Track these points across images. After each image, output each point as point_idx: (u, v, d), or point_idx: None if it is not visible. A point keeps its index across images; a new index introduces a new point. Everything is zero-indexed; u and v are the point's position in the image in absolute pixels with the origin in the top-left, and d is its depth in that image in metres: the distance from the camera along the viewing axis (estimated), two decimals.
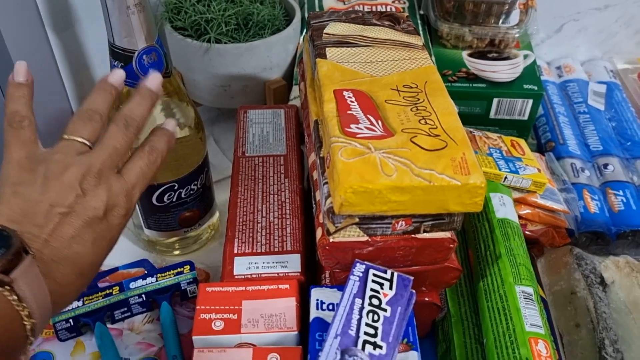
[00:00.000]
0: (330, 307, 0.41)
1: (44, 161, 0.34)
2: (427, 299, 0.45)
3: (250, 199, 0.51)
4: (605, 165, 0.67)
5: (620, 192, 0.64)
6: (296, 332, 0.41)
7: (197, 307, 0.42)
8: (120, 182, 0.35)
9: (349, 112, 0.41)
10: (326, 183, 0.40)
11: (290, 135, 0.58)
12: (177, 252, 0.61)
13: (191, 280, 0.49)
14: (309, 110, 0.49)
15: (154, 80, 0.39)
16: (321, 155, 0.42)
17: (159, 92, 0.39)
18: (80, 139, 0.35)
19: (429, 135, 0.40)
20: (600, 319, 0.52)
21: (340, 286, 0.42)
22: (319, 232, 0.42)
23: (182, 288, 0.49)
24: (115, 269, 0.52)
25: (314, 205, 0.45)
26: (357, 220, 0.39)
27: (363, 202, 0.36)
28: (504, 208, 0.52)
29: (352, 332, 0.36)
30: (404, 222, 0.39)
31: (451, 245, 0.41)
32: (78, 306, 0.45)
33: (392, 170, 0.37)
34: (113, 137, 0.36)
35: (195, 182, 0.57)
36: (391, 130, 0.40)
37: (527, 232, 0.57)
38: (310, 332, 0.40)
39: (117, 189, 0.35)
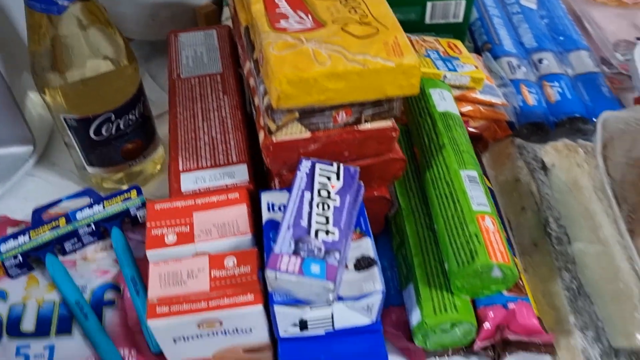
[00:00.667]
0: (281, 208, 0.42)
1: None
2: (376, 193, 0.46)
3: (190, 119, 0.50)
4: (540, 60, 0.69)
5: (556, 84, 0.66)
6: (250, 236, 0.41)
7: (148, 224, 0.41)
8: None
9: (277, 10, 0.40)
10: (262, 83, 0.39)
11: (225, 54, 0.56)
12: (124, 188, 0.60)
13: (140, 205, 0.48)
14: (239, 21, 0.48)
15: None
16: (254, 58, 0.41)
17: None
18: None
19: (360, 23, 0.39)
20: (544, 200, 0.54)
21: (289, 188, 0.42)
22: (261, 135, 0.41)
23: (132, 214, 0.48)
24: (59, 200, 0.50)
25: (253, 112, 0.44)
26: (297, 115, 0.38)
27: (299, 92, 0.36)
28: (444, 102, 0.52)
29: (304, 223, 0.36)
30: (344, 113, 0.39)
31: (393, 134, 0.41)
32: (25, 241, 0.44)
33: (325, 58, 0.36)
34: None
35: (133, 112, 0.55)
36: (321, 22, 0.39)
37: (470, 129, 0.58)
38: (264, 234, 0.40)
39: None
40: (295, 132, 0.40)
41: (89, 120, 0.53)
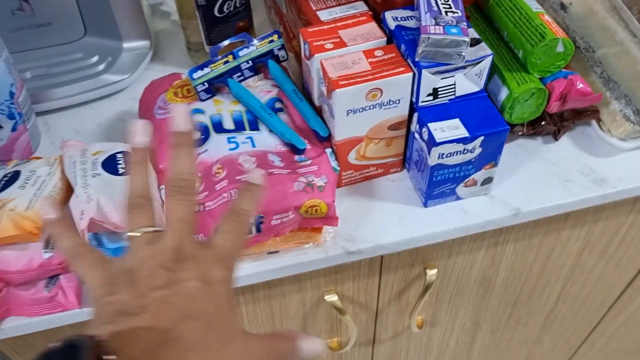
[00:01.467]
0: (403, 18, 0.57)
1: (121, 270, 0.33)
2: None
3: None
4: None
5: None
6: (385, 38, 0.56)
7: (308, 40, 0.55)
8: (206, 250, 0.35)
9: None
10: None
11: None
12: None
13: (280, 47, 0.62)
14: None
15: (180, 117, 0.37)
16: None
17: (190, 129, 0.37)
18: (141, 231, 0.35)
19: None
20: (569, 27, 0.71)
21: (410, 6, 0.57)
22: None
23: (275, 53, 0.62)
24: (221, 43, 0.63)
25: None
26: None
27: None
28: None
29: (435, 8, 0.52)
30: None
31: None
32: (204, 74, 0.58)
33: None
34: (173, 210, 0.35)
35: None
36: None
37: None
38: (395, 34, 0.55)
39: (205, 257, 0.34)
40: None
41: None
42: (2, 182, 0.53)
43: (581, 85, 0.60)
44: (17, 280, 0.50)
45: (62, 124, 0.70)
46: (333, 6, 0.60)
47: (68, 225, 0.38)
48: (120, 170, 0.52)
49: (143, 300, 0.31)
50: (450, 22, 0.51)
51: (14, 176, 0.53)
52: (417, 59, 0.52)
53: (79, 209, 0.49)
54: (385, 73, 0.52)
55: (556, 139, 0.65)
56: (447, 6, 0.52)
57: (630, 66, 0.65)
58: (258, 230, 0.52)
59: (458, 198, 0.60)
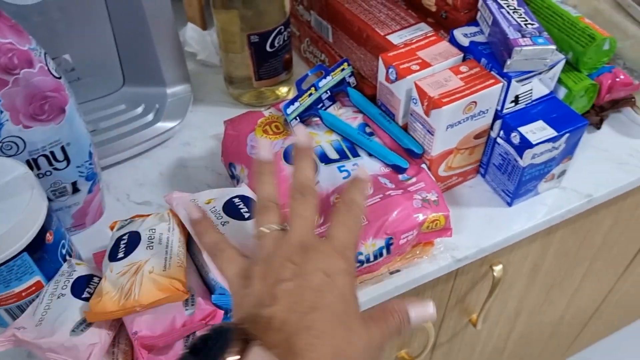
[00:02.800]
0: (473, 34, 0.60)
1: (254, 264, 0.38)
2: None
3: (358, 8, 0.66)
4: None
5: None
6: (461, 55, 0.59)
7: (389, 64, 0.58)
8: (326, 244, 0.38)
9: None
10: None
11: None
12: (285, 89, 0.75)
13: (350, 74, 0.63)
14: None
15: (302, 135, 0.43)
16: None
17: (311, 145, 0.43)
18: (270, 227, 0.39)
19: None
20: None
21: (472, 22, 0.61)
22: None
23: (347, 80, 0.63)
24: (306, 75, 0.63)
25: None
26: None
27: None
28: None
29: (514, 22, 0.56)
30: None
31: None
32: (296, 108, 0.58)
33: None
34: (297, 210, 0.39)
35: (288, 25, 0.70)
36: None
37: None
38: (472, 51, 0.59)
39: (326, 250, 0.37)
40: None
41: (268, 33, 0.68)
42: (123, 246, 0.50)
43: (622, 77, 0.67)
44: (160, 344, 0.48)
45: (122, 178, 0.67)
46: (398, 30, 0.63)
47: (209, 224, 0.43)
48: (246, 215, 0.51)
49: (274, 292, 0.34)
50: (533, 33, 0.55)
51: (134, 238, 0.51)
52: (505, 70, 0.56)
53: None
54: (479, 86, 0.56)
55: (598, 128, 0.72)
56: (524, 19, 0.57)
57: None
58: (388, 252, 0.53)
59: (537, 193, 0.65)
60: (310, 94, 0.60)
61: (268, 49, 0.69)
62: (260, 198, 0.41)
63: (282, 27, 0.68)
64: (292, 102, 0.58)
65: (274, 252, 0.37)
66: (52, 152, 0.52)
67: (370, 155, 0.58)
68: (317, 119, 0.60)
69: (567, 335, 1.24)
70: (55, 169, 0.53)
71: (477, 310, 0.83)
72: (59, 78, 0.51)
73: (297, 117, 0.59)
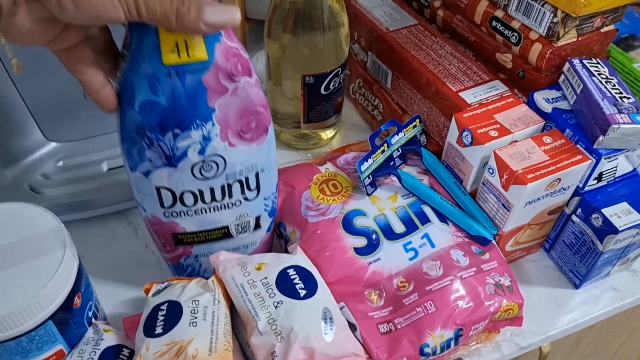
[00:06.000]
0: (552, 100, 0.55)
1: None
2: None
3: (426, 57, 0.61)
4: None
5: None
6: (543, 123, 0.54)
7: (470, 127, 0.52)
8: None
9: None
10: (543, 6, 0.53)
11: (406, 8, 0.68)
12: (331, 133, 0.69)
13: (421, 132, 0.58)
14: None
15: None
16: None
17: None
18: None
19: None
20: None
21: (553, 85, 0.56)
22: (536, 47, 0.54)
23: (418, 138, 0.58)
24: (379, 130, 0.57)
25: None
26: (577, 22, 0.52)
27: (595, 1, 0.50)
28: None
29: (609, 94, 0.51)
30: (599, 19, 0.54)
31: (614, 34, 0.57)
32: (369, 165, 0.52)
33: None
34: None
35: (345, 67, 0.64)
36: None
37: None
38: (555, 120, 0.54)
39: None
40: (570, 37, 0.53)
41: (325, 75, 0.62)
42: (161, 318, 0.44)
43: None
44: None
45: None
46: (471, 86, 0.57)
47: None
48: (302, 293, 0.45)
49: None
50: (630, 109, 0.50)
51: (175, 310, 0.44)
52: (596, 147, 0.51)
53: (267, 350, 0.42)
54: (565, 162, 0.50)
55: None
56: (618, 91, 0.51)
57: None
58: (456, 343, 0.47)
59: (607, 276, 0.59)
60: (383, 151, 0.54)
61: (322, 91, 0.63)
62: None
63: (340, 69, 0.63)
64: (365, 158, 0.52)
65: None
66: (246, 178, 0.45)
67: (442, 221, 0.52)
68: (388, 179, 0.55)
69: None
70: (246, 198, 0.47)
71: None
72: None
73: (370, 176, 0.53)
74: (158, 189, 0.44)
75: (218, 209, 0.46)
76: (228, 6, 0.35)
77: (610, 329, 0.80)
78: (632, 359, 1.04)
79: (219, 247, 0.49)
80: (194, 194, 0.44)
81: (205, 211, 0.46)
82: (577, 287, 0.58)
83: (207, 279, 0.48)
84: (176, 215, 0.46)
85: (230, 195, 0.46)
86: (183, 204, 0.45)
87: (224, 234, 0.48)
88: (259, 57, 0.82)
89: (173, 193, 0.44)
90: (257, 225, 0.50)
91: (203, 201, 0.45)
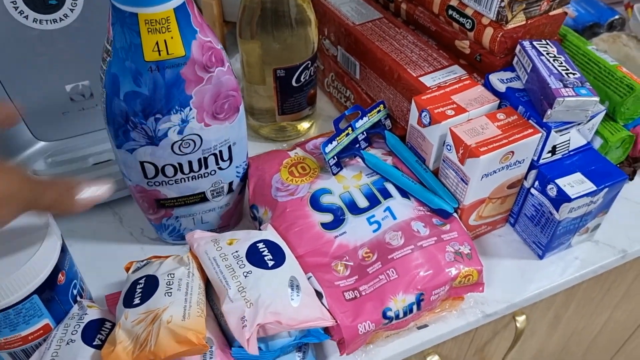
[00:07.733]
0: (506, 80, 0.58)
1: None
2: None
3: (390, 47, 0.64)
4: None
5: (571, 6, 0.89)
6: (498, 102, 0.57)
7: (427, 108, 0.56)
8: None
9: None
10: None
11: (372, 4, 0.72)
12: (307, 124, 0.72)
13: (386, 116, 0.61)
14: None
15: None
16: None
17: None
18: None
19: None
20: None
21: (508, 67, 0.59)
22: (488, 31, 0.58)
23: (382, 122, 0.61)
24: (343, 115, 0.60)
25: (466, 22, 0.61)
26: (524, 5, 0.56)
27: None
28: None
29: (556, 71, 0.54)
30: (546, 2, 0.57)
31: (562, 18, 0.60)
32: (334, 147, 0.56)
33: None
34: None
35: (315, 61, 0.68)
36: None
37: None
38: (509, 98, 0.57)
39: None
40: (518, 20, 0.57)
41: (295, 68, 0.66)
42: (139, 291, 0.47)
43: None
44: None
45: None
46: (431, 71, 0.61)
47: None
48: (270, 263, 0.49)
49: None
50: (575, 83, 0.53)
51: (152, 282, 0.48)
52: (545, 120, 0.54)
53: (237, 316, 0.45)
54: (517, 136, 0.53)
55: (631, 179, 0.69)
56: (565, 68, 0.55)
57: None
58: (418, 308, 0.50)
59: (569, 246, 0.62)
60: (348, 134, 0.57)
61: (294, 84, 0.67)
62: None
63: (310, 62, 0.66)
64: (330, 141, 0.56)
65: None
66: (220, 151, 0.52)
67: (404, 196, 0.56)
68: (353, 160, 0.58)
69: None
70: (220, 168, 0.54)
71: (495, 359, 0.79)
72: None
73: (335, 157, 0.56)
74: (142, 163, 0.50)
75: (195, 178, 0.53)
76: (98, 185, 0.42)
77: (588, 306, 0.82)
78: (618, 338, 1.05)
79: (196, 209, 0.56)
80: (174, 166, 0.51)
81: (184, 180, 0.52)
82: (541, 257, 0.61)
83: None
84: (158, 184, 0.52)
85: (207, 167, 0.52)
86: (164, 175, 0.51)
87: (201, 198, 0.55)
88: (237, 58, 0.85)
89: (155, 166, 0.50)
90: (230, 190, 0.57)
91: (182, 172, 0.52)
